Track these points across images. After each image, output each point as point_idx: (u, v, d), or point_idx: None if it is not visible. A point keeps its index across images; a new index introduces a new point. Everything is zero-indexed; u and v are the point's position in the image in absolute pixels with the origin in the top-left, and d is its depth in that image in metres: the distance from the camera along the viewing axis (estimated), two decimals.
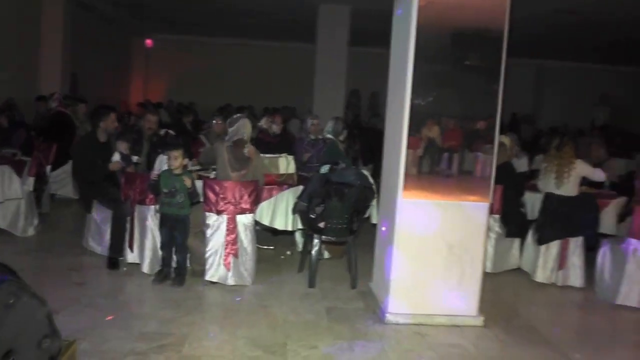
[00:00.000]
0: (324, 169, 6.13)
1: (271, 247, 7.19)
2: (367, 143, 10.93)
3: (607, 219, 6.92)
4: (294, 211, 6.23)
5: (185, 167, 5.77)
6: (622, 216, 7.11)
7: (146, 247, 5.95)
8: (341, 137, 7.91)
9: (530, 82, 20.95)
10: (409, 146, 5.00)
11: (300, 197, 6.09)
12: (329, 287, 5.95)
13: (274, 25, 16.41)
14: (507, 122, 15.18)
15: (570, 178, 6.47)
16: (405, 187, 5.00)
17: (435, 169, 5.12)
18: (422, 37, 4.88)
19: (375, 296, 5.54)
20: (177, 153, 5.66)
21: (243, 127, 6.12)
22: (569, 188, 6.50)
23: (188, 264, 5.83)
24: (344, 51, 13.58)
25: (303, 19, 14.26)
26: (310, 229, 6.08)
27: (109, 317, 4.82)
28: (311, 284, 5.89)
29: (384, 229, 5.44)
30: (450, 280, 5.11)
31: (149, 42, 19.82)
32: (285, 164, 6.93)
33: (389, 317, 5.07)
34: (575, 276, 6.55)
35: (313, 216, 5.96)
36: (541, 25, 13.85)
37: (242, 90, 18.26)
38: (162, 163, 6.10)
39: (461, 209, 5.08)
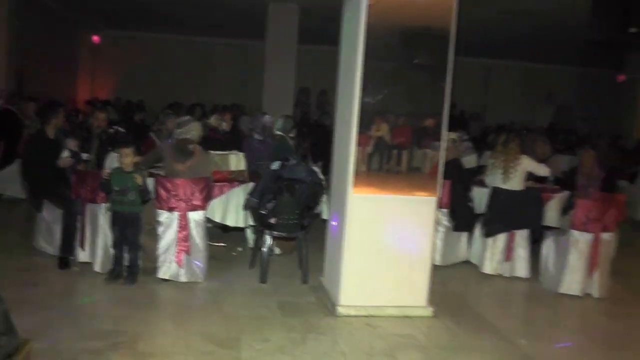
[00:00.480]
0: (275, 165, 6.17)
1: (223, 244, 7.20)
2: (316, 140, 10.99)
3: (551, 212, 7.13)
4: (245, 207, 6.26)
5: (136, 164, 5.73)
6: (565, 209, 7.34)
7: (98, 245, 5.90)
8: (291, 135, 7.98)
9: (478, 80, 21.34)
10: (359, 144, 5.09)
11: (251, 194, 6.13)
12: (281, 282, 6.01)
13: (224, 23, 16.32)
14: (456, 119, 15.39)
15: (516, 173, 6.67)
16: (356, 183, 5.10)
17: (384, 165, 5.23)
18: (371, 35, 4.96)
19: (326, 290, 5.62)
20: (127, 150, 5.62)
21: (193, 129, 6.14)
22: (515, 183, 6.70)
23: (140, 262, 5.80)
24: (293, 49, 13.60)
25: (253, 17, 14.23)
26: (261, 225, 6.12)
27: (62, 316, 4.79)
28: (263, 280, 5.94)
29: (334, 223, 5.52)
30: (400, 272, 5.22)
31: (95, 38, 19.41)
32: (236, 161, 6.94)
33: (340, 310, 5.16)
34: (521, 267, 6.75)
35: (264, 212, 6.00)
36: (489, 25, 14.10)
37: (191, 87, 18.08)
38: (112, 161, 6.05)
39: (410, 204, 5.21)
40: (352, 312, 5.16)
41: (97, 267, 5.90)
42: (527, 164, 6.78)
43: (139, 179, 5.59)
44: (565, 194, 7.45)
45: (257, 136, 8.06)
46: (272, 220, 5.97)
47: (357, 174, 5.09)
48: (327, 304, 5.42)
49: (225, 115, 9.22)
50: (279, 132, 7.76)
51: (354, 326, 4.99)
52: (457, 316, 5.40)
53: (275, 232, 6.00)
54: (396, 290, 5.22)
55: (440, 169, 5.29)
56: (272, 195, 5.97)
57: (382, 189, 5.15)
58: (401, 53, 5.10)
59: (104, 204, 5.86)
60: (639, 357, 4.99)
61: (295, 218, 5.97)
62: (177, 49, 19.32)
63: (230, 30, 17.36)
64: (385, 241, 5.19)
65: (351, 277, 5.18)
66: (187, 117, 6.66)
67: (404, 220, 5.21)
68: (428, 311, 5.29)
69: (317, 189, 6.14)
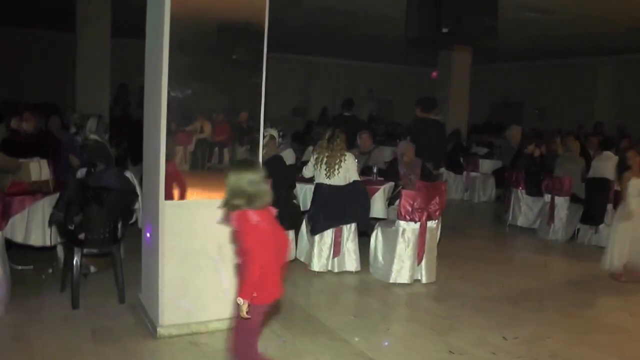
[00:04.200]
0: (80, 172, 5.58)
1: (30, 267, 6.40)
2: (137, 139, 10.33)
3: (378, 204, 7.12)
4: (50, 223, 5.61)
5: None
6: (391, 200, 7.38)
7: None
8: (106, 137, 7.29)
9: (299, 76, 21.54)
10: (179, 142, 4.68)
11: (55, 206, 5.50)
12: (96, 303, 5.40)
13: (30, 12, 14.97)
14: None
15: (340, 170, 6.53)
16: (167, 188, 4.64)
17: (206, 165, 4.84)
18: (177, 26, 4.53)
19: (145, 309, 5.11)
20: None
21: None
22: (339, 179, 6.56)
23: None
24: (106, 42, 12.74)
25: (61, 7, 13.13)
26: (70, 242, 5.50)
27: None
28: (75, 304, 5.27)
29: (148, 235, 5.04)
30: (222, 281, 4.84)
31: None
32: (38, 169, 6.21)
33: (161, 331, 4.69)
34: (350, 261, 6.66)
35: (71, 227, 5.40)
36: (308, 23, 14.12)
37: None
38: None
39: None
40: (174, 332, 4.71)
41: None
42: (351, 164, 6.67)
43: None
44: (389, 184, 7.48)
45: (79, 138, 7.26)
46: (81, 236, 5.37)
47: (169, 176, 4.62)
48: (146, 324, 4.92)
49: (25, 115, 8.15)
50: (93, 136, 6.97)
51: (176, 347, 4.56)
52: (287, 320, 5.15)
53: (85, 249, 5.40)
54: (219, 301, 4.82)
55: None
56: (78, 207, 5.36)
57: (198, 192, 4.75)
58: (213, 46, 4.73)
59: None
60: (463, 338, 5.02)
61: (107, 231, 5.41)
62: None
63: (39, 20, 15.98)
64: (204, 249, 4.79)
65: (170, 293, 4.71)
66: None
67: (223, 225, 4.83)
68: None
69: (129, 197, 5.62)
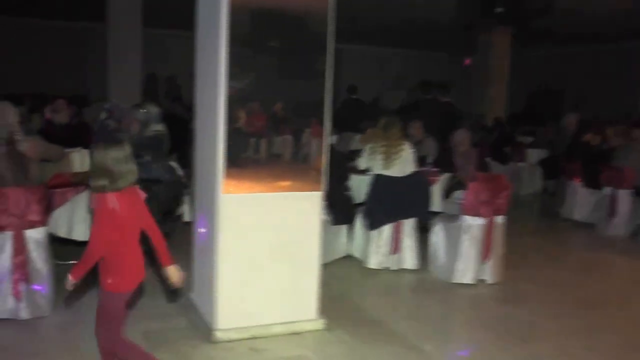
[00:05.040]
0: None
1: (73, 262, 6.05)
2: (169, 130, 10.00)
3: (435, 197, 6.70)
4: None
5: None
6: (447, 192, 6.94)
7: None
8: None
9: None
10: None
11: None
12: (145, 303, 5.02)
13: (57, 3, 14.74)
14: None
15: (398, 160, 6.11)
16: (226, 181, 4.26)
17: (258, 156, 4.48)
18: (235, 16, 4.14)
19: (198, 310, 4.75)
20: None
21: (5, 115, 5.02)
22: (398, 169, 6.14)
23: None
24: (138, 32, 12.51)
25: None
26: None
27: None
28: None
29: (202, 230, 4.67)
30: (285, 282, 4.48)
31: None
32: (80, 160, 5.88)
33: (219, 335, 4.32)
34: (409, 258, 6.26)
35: None
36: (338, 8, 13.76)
37: (26, 76, 16.19)
38: None
39: (291, 201, 4.45)
40: (233, 336, 4.34)
41: None
42: (409, 154, 6.26)
43: None
44: (446, 175, 7.06)
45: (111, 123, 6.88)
46: None
47: (228, 169, 4.25)
48: (201, 327, 4.55)
49: (58, 105, 7.78)
50: (158, 126, 6.15)
51: (235, 352, 4.19)
52: (350, 325, 4.75)
53: None
54: (282, 303, 4.48)
55: (324, 158, 4.57)
56: None
57: (257, 187, 4.36)
58: (273, 33, 4.35)
59: None
60: (542, 347, 4.58)
61: None
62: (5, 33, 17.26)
63: (67, 11, 15.77)
64: (266, 247, 4.41)
65: (228, 295, 4.34)
66: None
67: (286, 221, 4.45)
68: (319, 324, 4.60)
69: (178, 189, 5.26)
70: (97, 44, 13.52)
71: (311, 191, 4.50)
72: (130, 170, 3.24)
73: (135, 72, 12.63)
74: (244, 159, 4.37)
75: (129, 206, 3.23)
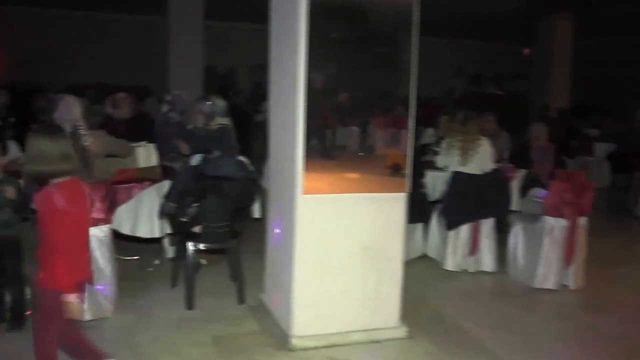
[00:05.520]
0: (195, 159, 5.03)
1: (135, 257, 5.91)
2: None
3: (513, 195, 6.32)
4: (161, 214, 5.07)
5: (12, 170, 4.33)
6: (524, 190, 6.54)
7: None
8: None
9: None
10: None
11: (167, 197, 4.96)
12: (212, 304, 4.84)
13: None
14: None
15: (476, 156, 5.77)
16: (307, 181, 3.97)
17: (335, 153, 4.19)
18: (314, 7, 3.85)
19: (270, 313, 4.51)
20: None
21: (70, 108, 4.84)
22: (475, 166, 5.80)
23: (27, 299, 4.33)
24: (199, 24, 12.40)
25: None
26: (182, 235, 4.96)
27: None
28: (189, 305, 4.74)
29: (278, 231, 4.41)
30: (366, 287, 4.19)
31: None
32: (145, 155, 5.68)
33: (295, 342, 4.06)
34: (487, 260, 5.91)
35: (185, 219, 4.84)
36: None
37: (89, 68, 16.24)
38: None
39: (374, 202, 4.16)
40: (310, 344, 4.07)
41: None
42: (488, 150, 5.90)
43: (9, 192, 4.13)
44: (522, 172, 6.67)
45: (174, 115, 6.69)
46: (196, 229, 4.82)
47: (308, 168, 3.96)
48: (274, 332, 4.31)
49: (116, 100, 7.28)
50: (224, 120, 5.94)
51: None
52: (434, 334, 4.43)
53: (201, 244, 4.84)
54: (362, 310, 4.19)
55: (410, 156, 4.26)
56: (193, 198, 4.80)
57: (338, 187, 4.07)
58: (354, 26, 4.06)
59: None
60: None
61: (225, 225, 4.83)
62: (71, 26, 17.29)
63: (129, 4, 15.77)
64: (346, 250, 4.13)
65: (305, 300, 4.08)
66: (57, 94, 5.28)
67: (368, 224, 4.16)
68: (401, 332, 4.30)
69: (250, 187, 5.02)
70: (159, 37, 13.42)
71: (395, 192, 4.20)
72: (69, 155, 3.06)
73: (196, 64, 12.55)
74: (323, 159, 4.09)
75: (72, 197, 3.04)
